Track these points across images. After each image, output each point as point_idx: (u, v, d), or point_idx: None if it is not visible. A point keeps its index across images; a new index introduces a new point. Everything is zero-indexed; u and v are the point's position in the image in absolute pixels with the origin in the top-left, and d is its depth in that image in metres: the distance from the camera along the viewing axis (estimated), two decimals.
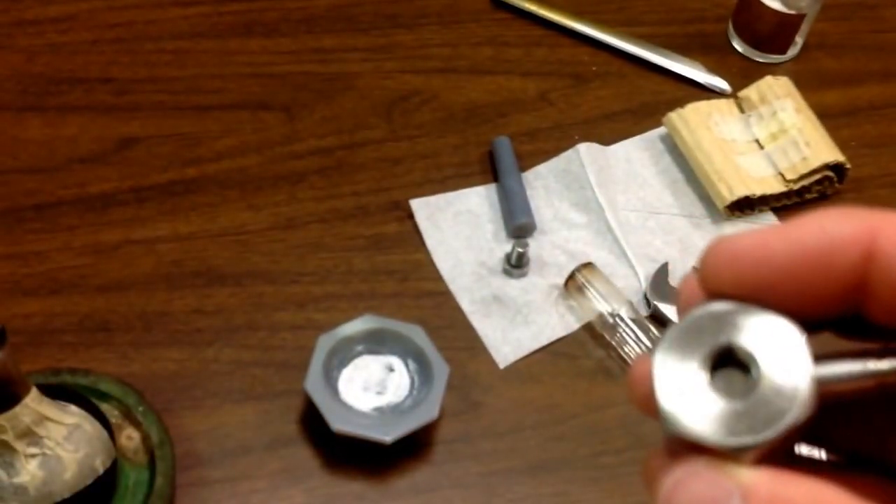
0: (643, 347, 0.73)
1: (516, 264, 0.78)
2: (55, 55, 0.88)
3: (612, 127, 0.89)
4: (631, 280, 0.79)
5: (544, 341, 0.75)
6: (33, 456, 0.55)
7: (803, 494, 0.23)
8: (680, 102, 0.88)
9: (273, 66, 0.91)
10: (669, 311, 0.76)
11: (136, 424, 0.65)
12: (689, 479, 0.24)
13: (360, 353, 0.71)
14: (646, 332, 0.73)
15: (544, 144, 0.87)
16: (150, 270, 0.76)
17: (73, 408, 0.58)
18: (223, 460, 0.67)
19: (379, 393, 0.69)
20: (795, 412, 0.24)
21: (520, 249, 0.78)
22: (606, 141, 0.87)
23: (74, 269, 0.75)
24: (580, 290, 0.76)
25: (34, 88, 0.86)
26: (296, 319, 0.75)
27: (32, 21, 0.90)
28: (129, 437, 0.64)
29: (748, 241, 0.25)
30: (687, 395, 0.25)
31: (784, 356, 0.25)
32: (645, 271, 0.79)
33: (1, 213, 0.78)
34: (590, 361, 0.75)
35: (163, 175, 0.82)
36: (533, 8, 0.95)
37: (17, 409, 0.53)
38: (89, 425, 0.58)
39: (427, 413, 0.67)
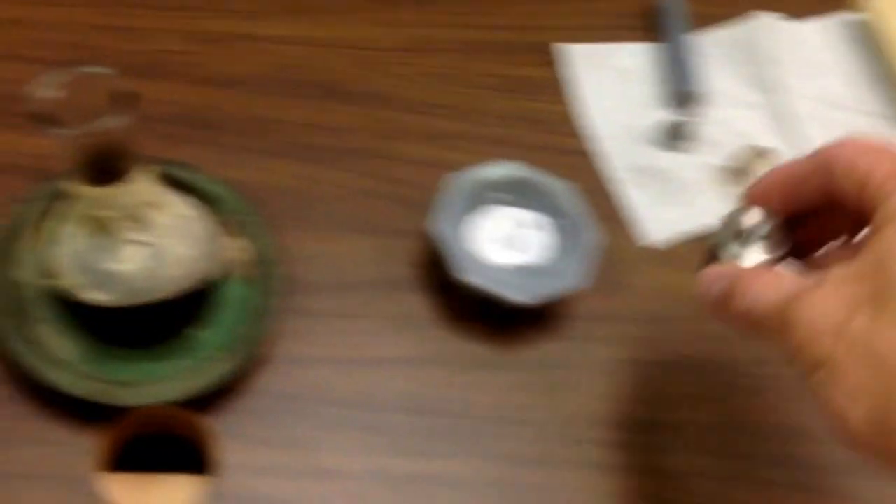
0: None
1: (676, 136, 0.68)
2: None
3: (799, 1, 0.77)
4: None
5: (701, 226, 0.65)
6: (138, 243, 0.45)
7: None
8: None
9: None
10: None
11: (245, 235, 0.56)
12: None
13: (498, 203, 0.61)
14: None
15: (720, 8, 0.76)
16: (265, 72, 0.66)
17: (188, 200, 0.48)
18: (330, 291, 0.58)
19: (515, 250, 0.60)
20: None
21: (681, 119, 0.68)
22: (793, 15, 0.76)
23: (183, 54, 0.65)
24: (744, 175, 0.66)
25: None
26: (423, 153, 0.65)
27: None
28: (238, 248, 0.55)
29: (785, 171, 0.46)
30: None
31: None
32: None
33: None
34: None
35: None
36: None
37: (128, 186, 0.43)
38: (203, 224, 0.48)
39: (568, 281, 0.58)
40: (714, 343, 0.61)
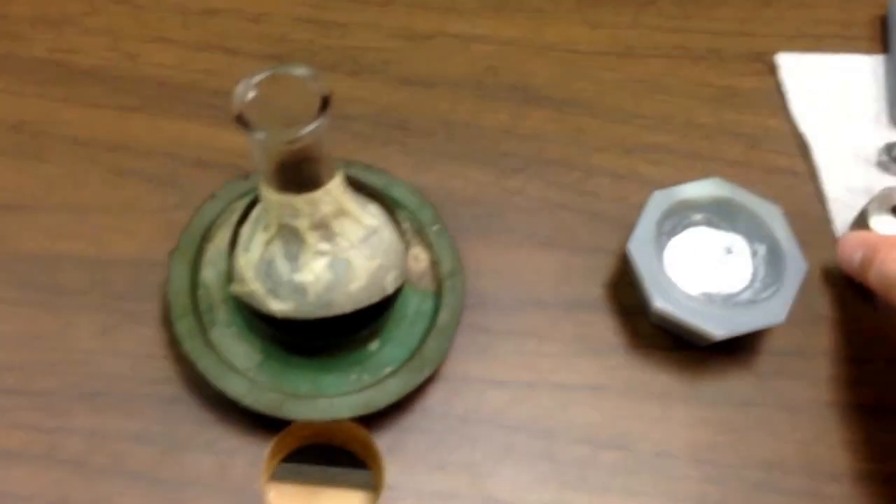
0: None
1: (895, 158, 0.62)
2: None
3: None
4: None
5: None
6: (323, 253, 0.44)
7: None
8: None
9: None
10: None
11: (427, 245, 0.54)
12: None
13: (697, 224, 0.57)
14: None
15: None
16: (463, 72, 0.64)
17: (374, 208, 0.47)
18: (513, 309, 0.55)
19: (712, 276, 0.56)
20: None
21: None
22: None
23: (379, 51, 0.64)
24: None
25: None
26: (619, 166, 0.62)
27: None
28: (417, 258, 0.53)
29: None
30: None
31: None
32: None
33: None
34: None
35: None
36: None
37: (319, 193, 0.42)
38: (387, 232, 0.47)
39: (771, 315, 0.53)
40: None
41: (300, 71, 0.39)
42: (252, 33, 0.64)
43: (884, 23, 0.69)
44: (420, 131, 0.61)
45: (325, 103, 0.38)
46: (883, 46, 0.68)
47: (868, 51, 0.68)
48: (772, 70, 0.66)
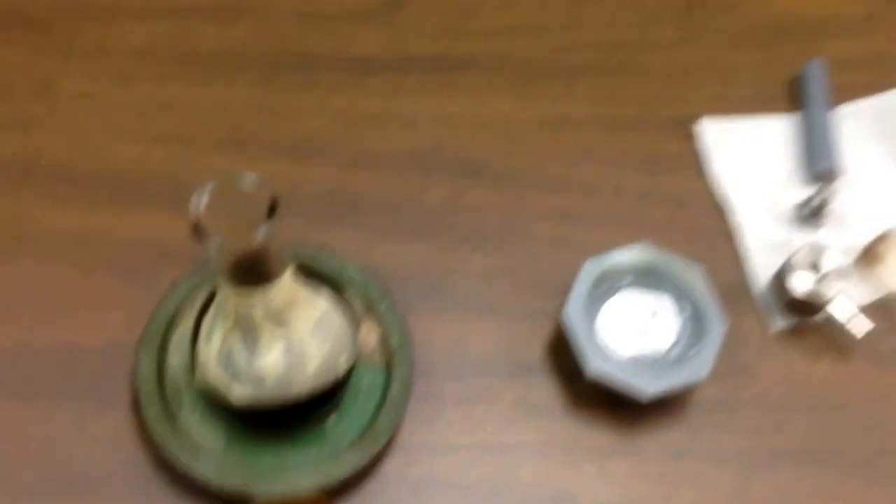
0: None
1: (812, 214, 0.67)
2: None
3: None
4: None
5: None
6: (279, 341, 0.48)
7: None
8: None
9: None
10: None
11: (377, 320, 0.58)
12: None
13: (626, 287, 0.62)
14: None
15: (863, 77, 0.74)
16: (406, 149, 0.68)
17: (324, 294, 0.51)
18: (460, 377, 0.60)
19: (642, 336, 0.60)
20: None
21: (819, 196, 0.66)
22: None
23: (327, 134, 0.68)
24: (879, 262, 0.65)
25: None
26: (554, 233, 0.66)
27: None
28: (368, 334, 0.58)
29: None
30: None
31: None
32: None
33: (258, 58, 0.71)
34: (881, 345, 0.64)
35: (431, 45, 0.73)
36: None
37: (272, 286, 0.46)
38: (337, 317, 0.51)
39: (695, 372, 0.58)
40: (838, 431, 0.60)
41: (249, 178, 0.43)
42: (207, 124, 0.68)
43: (798, 84, 0.74)
44: (371, 210, 0.65)
45: (272, 208, 0.42)
46: (797, 107, 0.73)
47: (783, 111, 0.73)
48: (694, 135, 0.71)
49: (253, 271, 0.46)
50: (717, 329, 0.59)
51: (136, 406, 0.55)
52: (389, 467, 0.56)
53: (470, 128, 0.70)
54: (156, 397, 0.53)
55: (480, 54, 0.73)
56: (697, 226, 0.68)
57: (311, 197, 0.65)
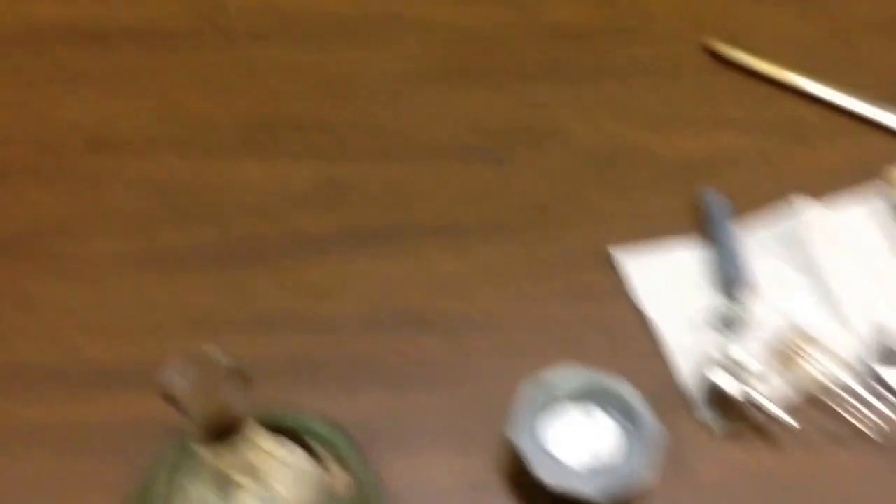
0: (879, 413, 0.68)
1: (729, 323, 0.75)
2: (274, 99, 0.91)
3: (834, 187, 0.84)
4: (854, 348, 0.74)
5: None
6: (254, 492, 0.55)
7: None
8: None
9: (486, 117, 0.90)
10: None
11: (343, 467, 0.64)
12: None
13: (566, 404, 0.69)
14: (882, 399, 0.68)
15: (761, 202, 0.83)
16: (360, 313, 0.77)
17: (291, 445, 0.58)
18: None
19: (586, 447, 0.67)
20: None
21: (733, 308, 0.74)
22: (828, 202, 0.83)
23: (287, 308, 0.77)
24: (794, 358, 0.72)
25: (253, 131, 0.89)
26: (499, 368, 0.74)
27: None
28: (336, 478, 0.64)
29: None
30: None
31: None
32: (869, 339, 0.74)
33: (219, 251, 0.80)
34: (811, 433, 0.70)
35: (375, 219, 0.83)
36: (753, 62, 0.92)
37: (243, 442, 0.53)
38: (307, 465, 0.58)
39: (644, 475, 0.64)
40: None
41: (210, 350, 0.50)
42: (170, 314, 0.76)
43: (703, 214, 0.83)
44: (329, 369, 0.73)
45: (238, 377, 0.50)
46: (705, 233, 0.82)
47: (693, 239, 0.81)
48: (616, 267, 0.80)
49: (224, 430, 0.53)
50: (652, 437, 0.66)
51: None
52: None
53: (415, 286, 0.78)
54: None
55: (419, 222, 0.82)
56: (629, 346, 0.75)
57: (274, 366, 0.73)
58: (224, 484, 0.54)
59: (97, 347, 0.74)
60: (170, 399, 0.49)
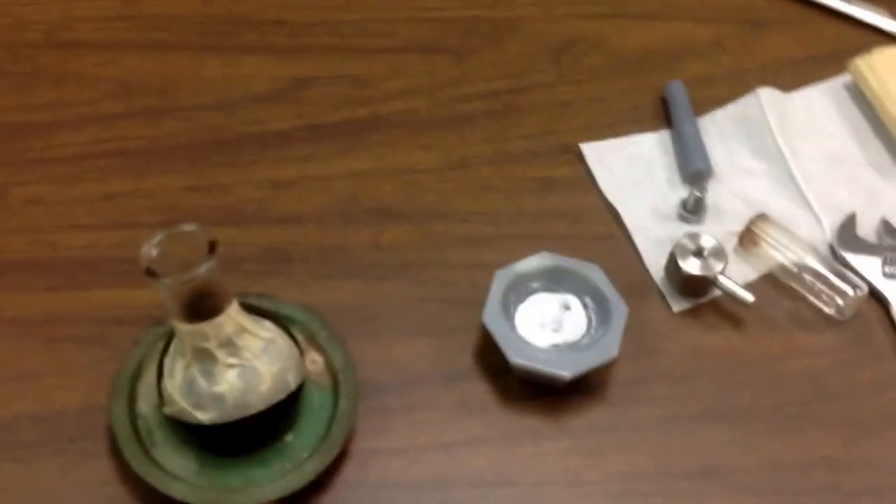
0: (840, 293, 0.70)
1: (692, 210, 0.76)
2: None
3: (791, 75, 0.86)
4: (814, 230, 0.76)
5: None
6: (232, 366, 0.56)
7: None
8: (863, 50, 0.84)
9: (441, 11, 0.91)
10: (858, 261, 0.73)
11: (320, 349, 0.65)
12: None
13: (536, 291, 0.70)
14: (842, 277, 0.71)
15: (719, 91, 0.84)
16: (326, 205, 0.77)
17: (268, 323, 0.59)
18: (401, 390, 0.67)
19: (555, 330, 0.68)
20: None
21: (696, 194, 0.76)
22: (786, 88, 0.84)
23: (255, 201, 0.77)
24: (756, 242, 0.74)
25: (212, 30, 0.88)
26: (468, 258, 0.74)
27: None
28: (314, 361, 0.65)
29: None
30: None
31: None
32: (830, 222, 0.76)
33: (185, 146, 0.79)
34: (771, 311, 0.72)
35: (336, 114, 0.83)
36: None
37: (221, 318, 0.54)
38: (282, 341, 0.58)
39: (607, 352, 0.66)
40: (741, 391, 0.68)
41: (189, 227, 0.51)
42: (147, 207, 0.76)
43: (663, 103, 0.84)
44: (302, 260, 0.73)
45: (212, 247, 0.50)
46: (666, 123, 0.83)
47: (654, 129, 0.83)
48: (579, 158, 0.81)
49: (203, 306, 0.54)
50: (619, 313, 0.67)
51: (114, 451, 0.61)
52: (347, 474, 0.63)
53: (380, 179, 0.78)
54: (132, 439, 0.60)
55: (381, 117, 0.82)
56: (594, 234, 0.77)
57: (248, 257, 0.73)
58: (205, 360, 0.55)
59: (77, 243, 0.74)
60: (150, 272, 0.50)
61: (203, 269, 0.50)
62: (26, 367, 0.67)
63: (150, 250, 0.50)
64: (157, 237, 0.51)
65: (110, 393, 0.62)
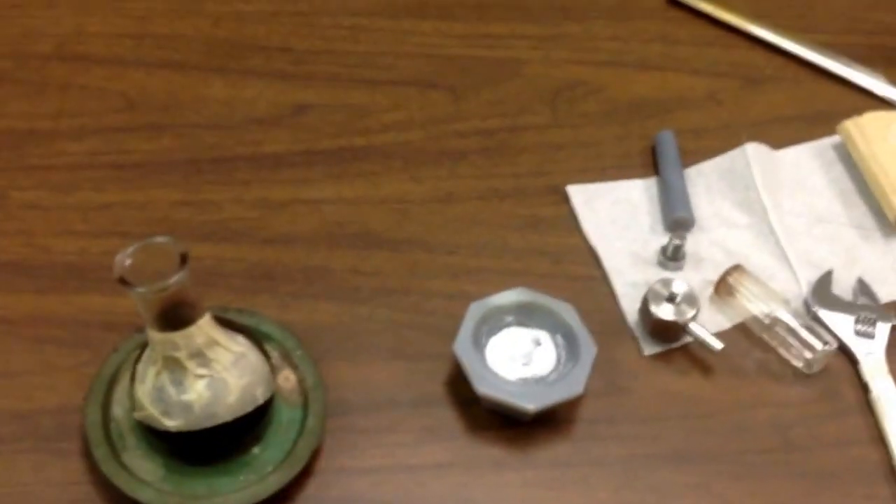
0: (809, 347, 0.72)
1: (672, 257, 0.78)
2: (239, 23, 0.93)
3: (782, 131, 0.87)
4: (791, 285, 0.77)
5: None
6: (202, 376, 0.57)
7: None
8: (855, 112, 0.86)
9: (443, 48, 0.93)
10: (831, 317, 0.74)
11: (293, 367, 0.67)
12: None
13: (509, 324, 0.72)
14: (812, 332, 0.72)
15: (710, 143, 0.86)
16: (314, 228, 0.79)
17: (241, 338, 0.60)
18: (371, 411, 0.69)
19: (525, 364, 0.70)
20: None
21: (676, 242, 0.77)
22: (775, 145, 0.86)
23: (245, 220, 0.79)
24: (731, 292, 0.75)
25: (219, 52, 0.91)
26: (448, 288, 0.76)
27: None
28: (287, 378, 0.67)
29: None
30: None
31: None
32: (807, 278, 0.77)
33: (182, 162, 0.82)
34: (741, 360, 0.74)
35: (332, 141, 0.85)
36: (709, 8, 0.95)
37: (192, 329, 0.56)
38: (253, 356, 0.60)
39: (572, 388, 0.67)
40: (706, 436, 0.69)
41: (162, 239, 0.53)
42: (139, 219, 0.78)
43: (653, 152, 0.86)
44: (283, 279, 0.75)
45: (183, 259, 0.52)
46: (654, 171, 0.85)
47: (642, 176, 0.84)
48: (566, 199, 0.82)
49: (176, 317, 0.55)
50: (588, 352, 0.69)
51: (87, 452, 0.63)
52: (311, 490, 0.64)
53: (369, 207, 0.80)
54: (103, 442, 0.62)
55: (376, 146, 0.85)
56: (574, 274, 0.78)
57: (234, 273, 0.75)
58: (175, 368, 0.57)
59: (69, 249, 0.76)
60: (123, 281, 0.51)
61: (173, 280, 0.52)
62: (10, 366, 0.69)
63: (124, 260, 0.52)
64: (131, 248, 0.53)
65: (87, 394, 0.64)
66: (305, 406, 0.65)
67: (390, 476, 0.66)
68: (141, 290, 0.52)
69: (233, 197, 0.80)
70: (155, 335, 0.56)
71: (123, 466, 0.61)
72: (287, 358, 0.67)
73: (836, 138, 0.86)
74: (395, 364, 0.71)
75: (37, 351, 0.70)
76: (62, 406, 0.66)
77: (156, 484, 0.61)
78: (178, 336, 0.55)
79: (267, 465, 0.63)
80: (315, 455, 0.65)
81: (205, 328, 0.56)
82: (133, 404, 0.60)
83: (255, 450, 0.63)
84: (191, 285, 0.54)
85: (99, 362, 0.67)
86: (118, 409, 0.64)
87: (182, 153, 0.83)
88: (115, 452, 0.62)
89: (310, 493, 0.64)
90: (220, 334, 0.58)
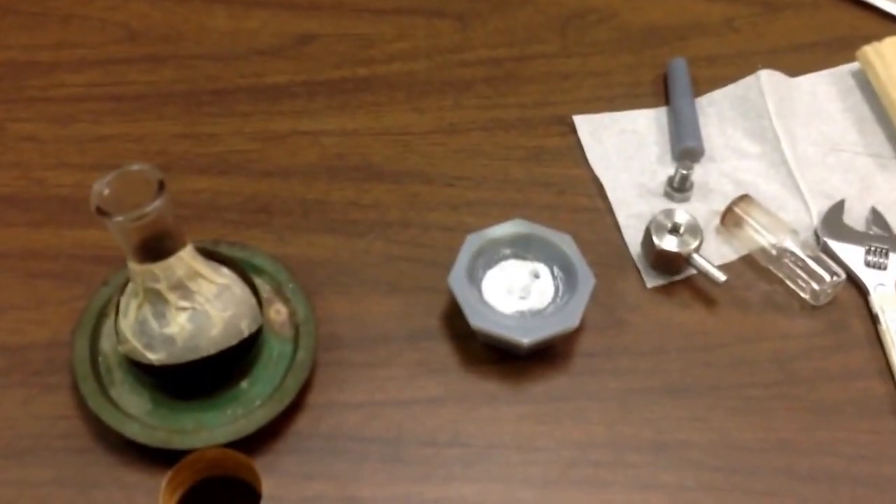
0: (816, 278, 0.70)
1: (678, 187, 0.76)
2: None
3: (800, 59, 0.84)
4: (801, 215, 0.75)
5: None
6: (184, 309, 0.57)
7: None
8: (875, 38, 0.82)
9: None
10: (841, 248, 0.72)
11: (285, 300, 0.67)
12: None
13: (506, 257, 0.70)
14: (820, 263, 0.70)
15: (724, 71, 0.83)
16: (314, 161, 0.78)
17: (225, 270, 0.60)
18: (364, 345, 0.68)
19: (522, 297, 0.69)
20: None
21: (683, 172, 0.75)
22: (792, 72, 0.83)
23: (243, 152, 0.78)
24: (738, 222, 0.73)
25: None
26: (448, 220, 0.75)
27: None
28: (277, 312, 0.66)
29: None
30: None
31: None
32: (818, 208, 0.75)
33: (182, 94, 0.81)
34: (746, 293, 0.72)
35: (335, 72, 0.83)
36: None
37: (172, 260, 0.55)
38: (238, 288, 0.60)
39: (568, 321, 0.66)
40: (706, 369, 0.68)
41: (138, 167, 0.52)
42: (136, 151, 0.77)
43: (664, 81, 0.83)
44: (280, 212, 0.74)
45: (160, 187, 0.51)
46: (665, 100, 0.82)
47: (652, 105, 0.82)
48: (572, 130, 0.80)
49: (156, 248, 0.55)
50: (586, 284, 0.67)
51: (75, 387, 0.63)
52: (301, 425, 0.64)
53: (370, 139, 0.79)
54: (90, 376, 0.62)
55: (379, 77, 0.83)
56: (578, 205, 0.76)
57: (230, 206, 0.75)
58: (157, 301, 0.56)
59: (66, 182, 0.76)
60: (101, 211, 0.51)
61: (150, 208, 0.51)
62: (1, 300, 0.69)
63: (102, 189, 0.52)
64: (108, 176, 0.52)
65: (75, 328, 0.64)
66: (296, 340, 0.65)
67: (382, 410, 0.65)
68: (118, 219, 0.51)
69: (232, 129, 0.79)
70: (135, 266, 0.55)
71: (110, 401, 0.61)
72: (279, 291, 0.67)
73: (854, 65, 0.83)
74: (390, 298, 0.71)
75: (29, 285, 0.70)
76: (52, 340, 0.67)
77: (143, 418, 0.61)
78: (157, 267, 0.55)
79: (255, 399, 0.62)
80: (305, 389, 0.64)
81: (186, 259, 0.56)
82: (118, 338, 0.60)
83: (244, 384, 0.63)
84: (171, 215, 0.53)
85: (91, 297, 0.67)
86: (106, 344, 0.64)
87: (182, 85, 0.82)
88: (102, 387, 0.62)
89: (299, 428, 0.64)
90: (202, 266, 0.57)
